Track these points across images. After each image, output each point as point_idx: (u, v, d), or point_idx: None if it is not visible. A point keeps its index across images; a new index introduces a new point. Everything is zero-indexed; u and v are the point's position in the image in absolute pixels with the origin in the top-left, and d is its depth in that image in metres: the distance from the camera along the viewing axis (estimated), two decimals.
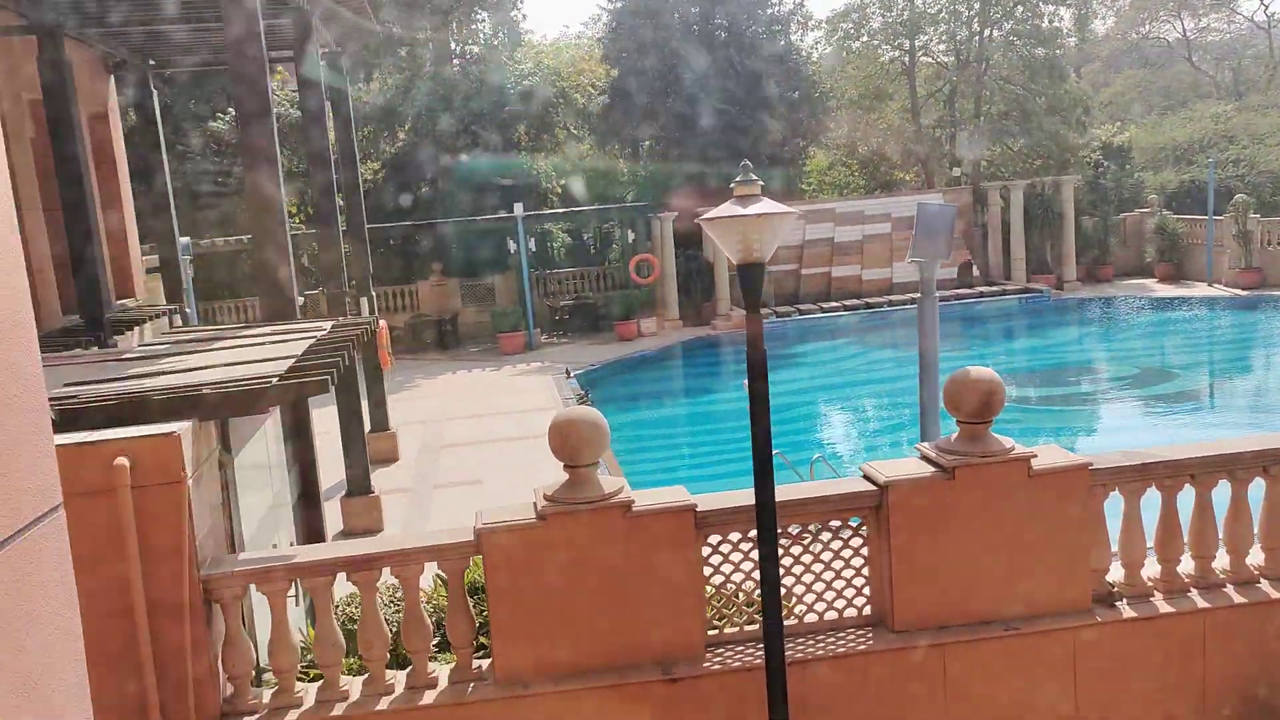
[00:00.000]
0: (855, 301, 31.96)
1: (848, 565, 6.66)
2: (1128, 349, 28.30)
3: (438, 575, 7.42)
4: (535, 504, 6.25)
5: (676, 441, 22.12)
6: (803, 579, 6.63)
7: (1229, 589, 6.98)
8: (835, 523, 6.65)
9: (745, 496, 6.39)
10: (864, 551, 6.65)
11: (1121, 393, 23.53)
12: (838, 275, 32.94)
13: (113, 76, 16.33)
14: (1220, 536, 7.08)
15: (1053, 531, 6.63)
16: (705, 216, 5.52)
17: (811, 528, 6.62)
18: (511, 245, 30.57)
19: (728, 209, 5.48)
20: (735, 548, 6.50)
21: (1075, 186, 33.96)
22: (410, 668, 6.41)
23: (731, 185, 5.54)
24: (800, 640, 6.49)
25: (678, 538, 6.25)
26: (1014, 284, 32.79)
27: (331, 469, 14.25)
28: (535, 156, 35.97)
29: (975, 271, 33.48)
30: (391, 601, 7.43)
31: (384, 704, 6.19)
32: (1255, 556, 7.15)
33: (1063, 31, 42.52)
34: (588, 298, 32.85)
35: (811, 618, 6.63)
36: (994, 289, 32.03)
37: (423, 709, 6.17)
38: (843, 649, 6.44)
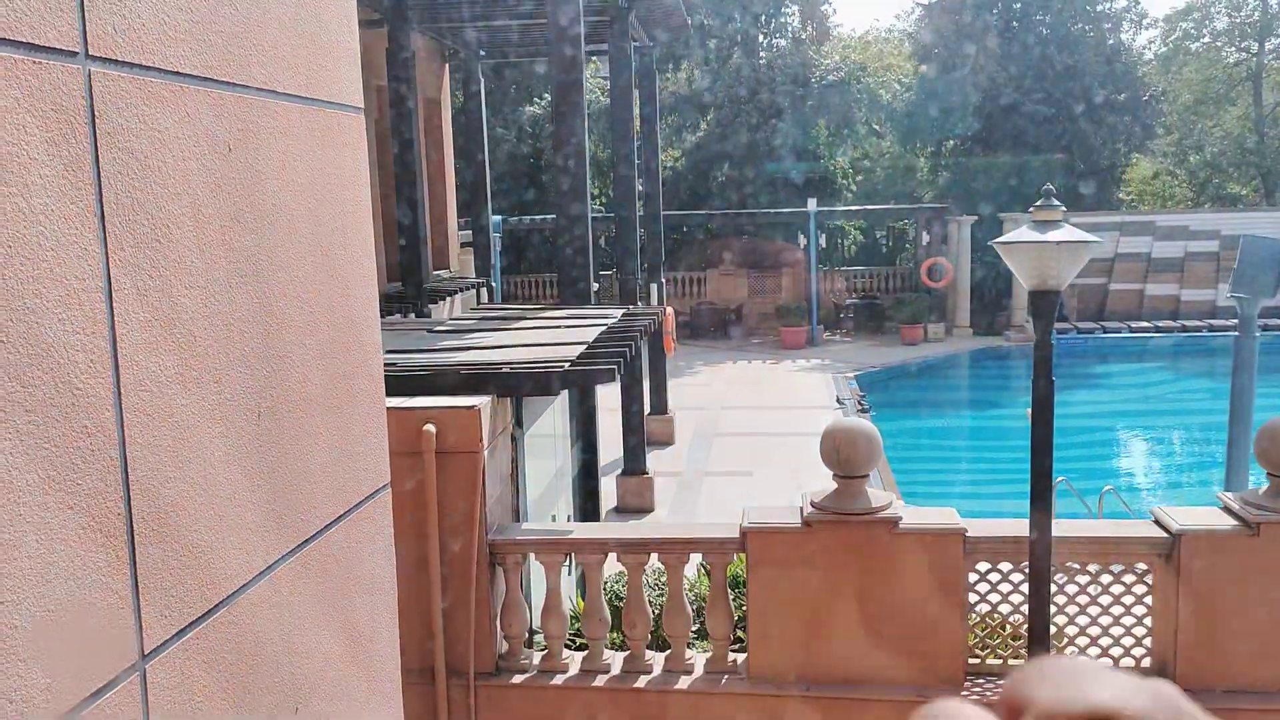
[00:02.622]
0: (1170, 324, 29.50)
1: (1128, 612, 6.30)
2: None
3: (701, 565, 7.68)
4: (802, 509, 6.35)
5: (954, 456, 21.42)
6: (1076, 620, 6.34)
7: None
8: (1117, 566, 6.31)
9: (1019, 526, 6.19)
10: (1147, 600, 6.27)
11: None
12: (1152, 294, 30.51)
13: (448, 65, 17.81)
14: None
15: None
16: (1000, 240, 5.39)
17: (1090, 568, 6.30)
18: (802, 239, 30.58)
19: (1024, 234, 5.33)
20: (1005, 578, 6.32)
21: None
22: (669, 651, 6.69)
23: (1030, 209, 5.37)
24: None
25: (944, 561, 6.15)
26: None
27: (610, 446, 14.92)
28: (834, 151, 35.69)
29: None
30: (655, 584, 7.76)
31: (641, 682, 6.51)
32: None
33: None
34: (875, 297, 32.29)
35: None
36: None
37: (677, 692, 6.44)
38: None
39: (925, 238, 30.73)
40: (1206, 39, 37.14)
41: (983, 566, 6.31)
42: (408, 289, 13.66)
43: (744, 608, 6.68)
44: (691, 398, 22.87)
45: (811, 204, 29.96)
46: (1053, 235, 5.20)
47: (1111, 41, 33.33)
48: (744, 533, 6.32)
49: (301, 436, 1.89)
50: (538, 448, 9.04)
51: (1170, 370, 27.45)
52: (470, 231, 19.68)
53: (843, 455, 6.23)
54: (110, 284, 1.33)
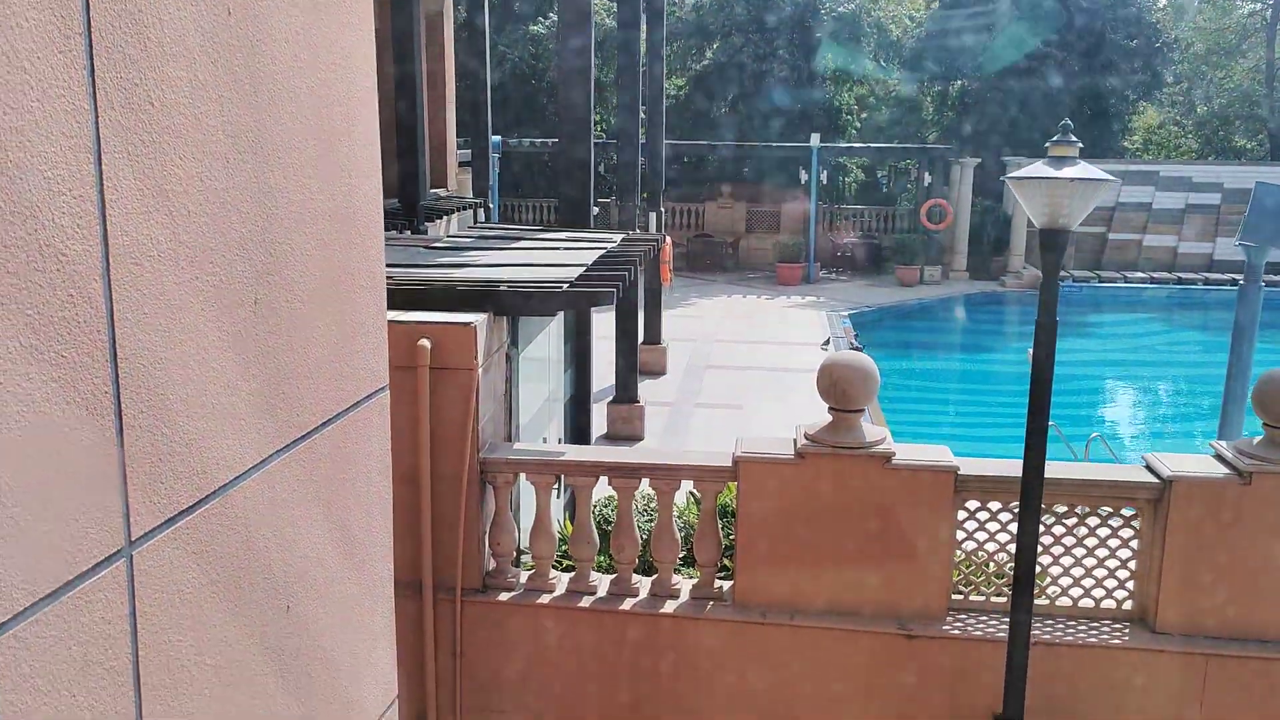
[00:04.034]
0: (1166, 275, 29.44)
1: (1113, 555, 6.33)
2: None
3: (691, 493, 7.68)
4: (795, 441, 6.32)
5: (944, 398, 21.47)
6: (1060, 560, 6.37)
7: None
8: (1105, 509, 6.32)
9: (1012, 467, 6.19)
10: (1133, 544, 6.30)
11: None
12: (1150, 245, 30.39)
13: None
14: None
15: None
16: (1013, 175, 5.28)
17: (1079, 510, 6.31)
18: (803, 175, 30.26)
19: (1038, 169, 5.22)
20: (993, 517, 6.32)
21: None
22: (655, 576, 6.71)
23: (1047, 144, 5.26)
24: (1048, 622, 6.27)
25: (935, 497, 6.15)
26: None
27: (602, 373, 14.88)
28: (840, 87, 35.19)
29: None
30: (645, 510, 7.77)
31: (627, 604, 6.54)
32: None
33: None
34: (873, 237, 32.11)
35: (1064, 601, 6.38)
36: None
37: (662, 616, 6.47)
38: (1094, 639, 6.16)
39: (927, 179, 30.45)
40: None
41: (972, 504, 6.31)
42: (404, 205, 13.47)
43: (732, 536, 6.69)
44: (685, 329, 22.81)
45: (814, 139, 29.62)
46: (1067, 171, 5.09)
47: None
48: (737, 461, 6.30)
49: (299, 329, 1.81)
50: (531, 370, 8.99)
51: (1163, 322, 27.46)
52: (470, 151, 19.38)
53: (839, 388, 6.18)
54: (99, 144, 1.24)
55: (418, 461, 6.27)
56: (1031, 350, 5.46)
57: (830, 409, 6.32)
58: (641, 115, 18.34)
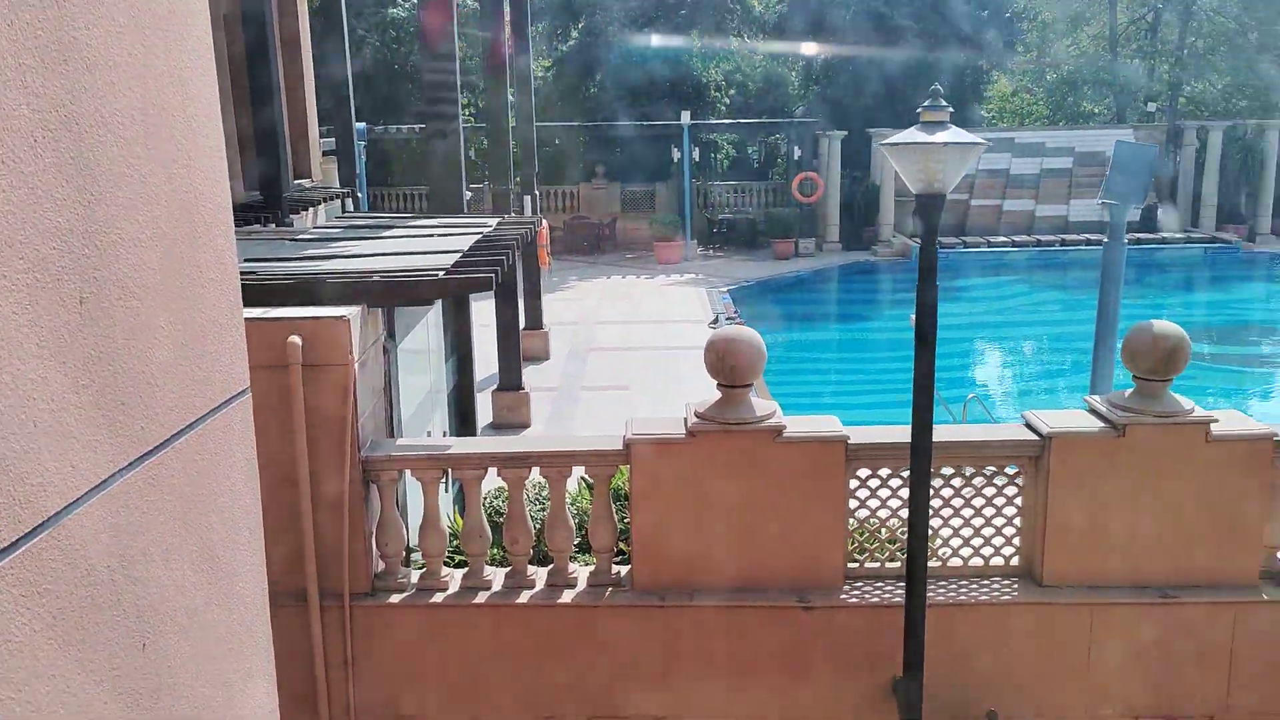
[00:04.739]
0: (1026, 239, 30.56)
1: (999, 514, 6.45)
2: None
3: (582, 479, 7.55)
4: (686, 419, 6.24)
5: (824, 368, 21.83)
6: (950, 522, 6.46)
7: None
8: (990, 469, 6.43)
9: (899, 433, 6.23)
10: (1018, 501, 6.43)
11: None
12: (1009, 210, 31.49)
13: None
14: None
15: (1225, 501, 6.25)
16: (888, 141, 5.28)
17: (965, 471, 6.41)
18: (675, 153, 30.32)
19: (912, 134, 5.23)
20: (884, 483, 6.37)
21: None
22: (551, 565, 6.56)
23: (919, 110, 5.27)
24: (941, 583, 6.35)
25: (826, 468, 6.15)
26: (1200, 232, 30.73)
27: (485, 362, 14.61)
28: (706, 63, 35.35)
29: (1160, 215, 31.48)
30: (536, 499, 7.60)
31: (524, 597, 6.38)
32: None
33: None
34: (747, 213, 32.42)
35: (955, 562, 6.48)
36: (1179, 235, 30.10)
37: (560, 606, 6.33)
38: (985, 597, 6.28)
39: (797, 152, 30.87)
40: None
41: (863, 473, 6.34)
42: (266, 197, 12.91)
43: (628, 520, 6.59)
44: (566, 313, 22.63)
45: (685, 117, 29.68)
46: (940, 136, 5.12)
47: None
48: (628, 443, 6.19)
49: (138, 330, 1.60)
50: (411, 362, 8.71)
51: (1026, 284, 28.49)
52: (334, 140, 18.73)
53: (728, 364, 6.12)
54: None
55: (295, 464, 5.97)
56: (914, 316, 5.49)
57: (719, 385, 6.26)
58: (510, 97, 18.02)
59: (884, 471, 6.35)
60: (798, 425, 6.20)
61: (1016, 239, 30.44)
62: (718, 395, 6.31)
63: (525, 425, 15.09)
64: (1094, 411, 6.43)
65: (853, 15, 31.41)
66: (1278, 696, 6.37)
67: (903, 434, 6.10)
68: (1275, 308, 27.37)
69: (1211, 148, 30.90)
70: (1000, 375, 21.75)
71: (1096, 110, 37.48)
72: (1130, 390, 6.35)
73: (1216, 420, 6.20)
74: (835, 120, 31.23)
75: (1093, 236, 30.08)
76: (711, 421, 6.13)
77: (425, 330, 9.72)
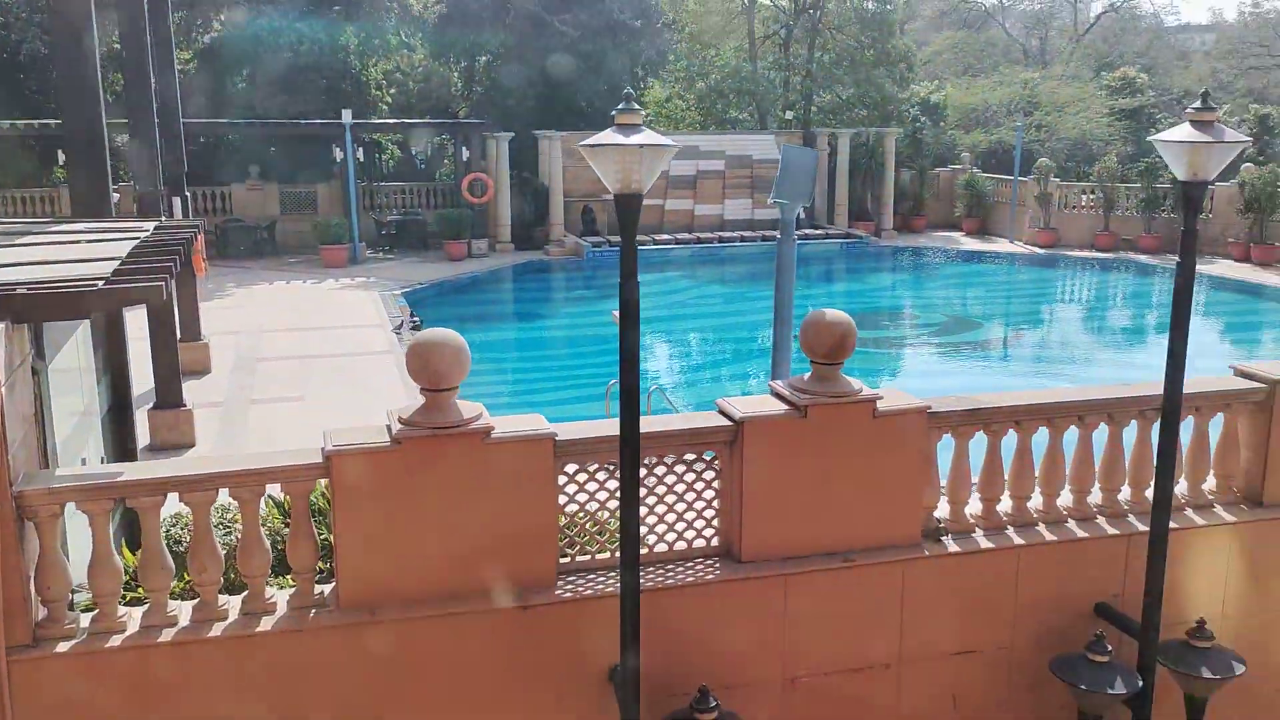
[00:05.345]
0: (687, 236, 32.30)
1: (699, 497, 6.75)
2: (937, 297, 29.82)
3: (270, 498, 7.09)
4: (389, 426, 6.02)
5: (503, 367, 21.92)
6: (655, 509, 6.68)
7: (1040, 527, 7.47)
8: (689, 455, 6.71)
9: (606, 426, 6.36)
10: (715, 485, 6.75)
11: (929, 339, 24.81)
12: (671, 209, 33.15)
13: None
14: (1036, 478, 7.55)
15: (892, 470, 6.91)
16: (586, 142, 5.36)
17: (667, 460, 6.65)
18: (338, 153, 29.26)
19: (609, 136, 5.33)
20: (591, 477, 6.47)
21: (896, 139, 35.22)
22: (246, 593, 6.11)
23: (613, 113, 5.39)
24: (650, 569, 6.55)
25: (536, 466, 6.16)
26: (836, 229, 33.87)
27: (139, 378, 13.40)
28: (366, 61, 34.39)
29: (802, 214, 34.37)
30: (221, 524, 7.06)
31: (218, 630, 5.89)
32: (1065, 498, 7.67)
33: None
34: (417, 214, 31.91)
35: (661, 548, 6.71)
36: (818, 232, 32.99)
37: (259, 635, 5.91)
38: (691, 578, 6.54)
39: (465, 153, 30.77)
40: None
41: (571, 468, 6.41)
42: None
43: (328, 536, 6.26)
44: (228, 322, 21.25)
45: (346, 115, 28.73)
46: (635, 139, 5.26)
47: None
48: (328, 456, 5.87)
49: None
50: (62, 383, 7.79)
51: (690, 279, 30.09)
52: None
53: (432, 367, 5.97)
54: None
55: None
56: (617, 312, 5.61)
57: (423, 390, 6.09)
58: (154, 89, 16.60)
59: (592, 465, 6.46)
60: (506, 425, 6.16)
61: (679, 236, 32.09)
62: (420, 400, 6.14)
63: (189, 445, 14.02)
64: (778, 395, 6.88)
65: (513, 18, 31.71)
66: (939, 640, 7.13)
67: (609, 427, 6.24)
68: (900, 295, 30.70)
69: (841, 152, 34.11)
70: (675, 366, 22.83)
71: (742, 117, 40.27)
72: (809, 374, 6.86)
73: (881, 397, 6.83)
74: (500, 121, 31.43)
75: (746, 234, 32.33)
76: (418, 427, 5.95)
77: (75, 348, 8.74)
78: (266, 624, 5.99)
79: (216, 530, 6.81)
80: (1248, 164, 29.84)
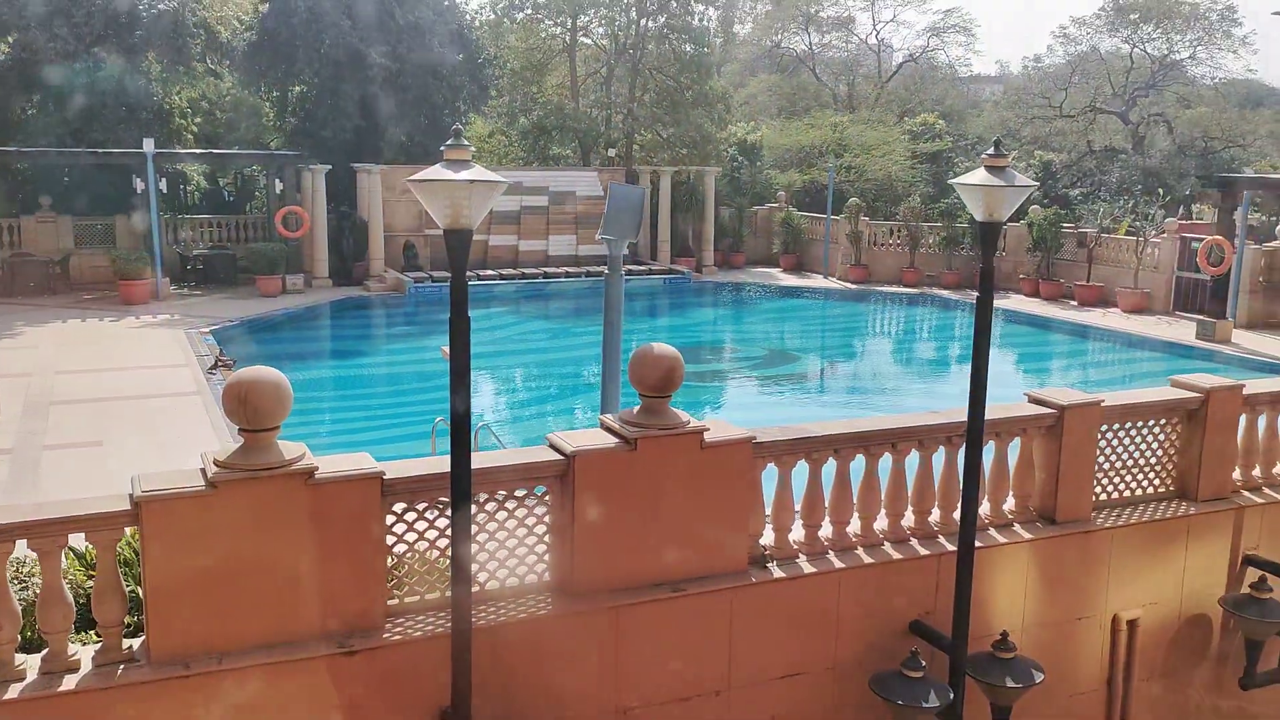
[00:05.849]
0: (511, 272, 32.22)
1: (531, 533, 6.72)
2: (757, 331, 30.77)
3: (69, 549, 6.64)
4: (204, 470, 5.76)
5: (322, 406, 21.24)
6: (486, 546, 6.61)
7: (859, 550, 7.79)
8: (520, 490, 6.69)
9: (436, 464, 6.28)
10: (547, 519, 6.75)
11: (750, 372, 25.55)
12: (494, 244, 33.01)
13: None
14: (854, 504, 7.88)
15: (720, 499, 7.08)
16: (415, 177, 5.33)
17: (498, 495, 6.60)
18: (139, 184, 27.80)
19: (438, 171, 5.32)
20: (420, 516, 6.36)
21: (716, 177, 36.28)
22: (45, 650, 5.69)
23: (443, 148, 5.38)
24: (482, 606, 6.47)
25: (363, 507, 6.01)
26: (659, 265, 34.50)
27: None
28: (169, 89, 32.93)
29: (627, 251, 34.84)
30: (17, 578, 6.54)
31: (14, 691, 5.46)
32: (881, 522, 8.03)
33: (710, 31, 45.17)
34: (226, 248, 30.65)
35: (494, 585, 6.64)
36: (641, 268, 33.52)
37: (62, 695, 5.51)
38: (524, 614, 6.50)
39: (279, 185, 29.79)
40: (529, 11, 40.74)
41: (400, 507, 6.28)
42: None
43: (138, 589, 5.91)
44: (16, 363, 19.82)
45: (148, 145, 27.35)
46: (465, 174, 5.25)
47: (447, 2, 34.96)
48: (137, 502, 5.56)
49: None
50: None
51: (515, 314, 30.00)
52: None
53: (251, 407, 5.74)
54: None
55: None
56: (446, 347, 5.57)
57: (241, 430, 5.86)
58: None
59: (421, 504, 6.35)
60: (331, 465, 5.99)
61: (504, 272, 31.98)
62: (238, 442, 5.90)
63: None
64: (608, 429, 6.95)
65: (329, 48, 31.01)
66: (768, 665, 7.32)
67: (438, 464, 6.16)
68: (721, 329, 31.51)
69: (663, 190, 34.83)
70: (502, 403, 22.65)
71: (565, 153, 40.59)
72: (638, 407, 6.96)
73: (708, 429, 7.00)
74: (316, 153, 30.60)
75: (571, 270, 32.52)
76: (235, 469, 5.71)
77: None
78: (69, 683, 5.59)
79: (12, 585, 6.32)
80: (1035, 205, 32.18)
